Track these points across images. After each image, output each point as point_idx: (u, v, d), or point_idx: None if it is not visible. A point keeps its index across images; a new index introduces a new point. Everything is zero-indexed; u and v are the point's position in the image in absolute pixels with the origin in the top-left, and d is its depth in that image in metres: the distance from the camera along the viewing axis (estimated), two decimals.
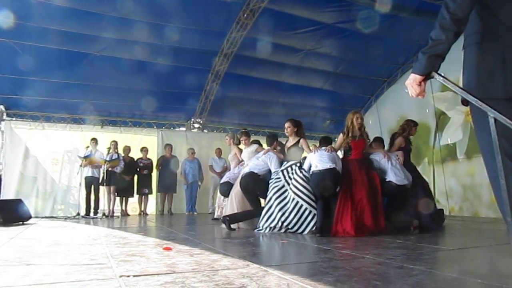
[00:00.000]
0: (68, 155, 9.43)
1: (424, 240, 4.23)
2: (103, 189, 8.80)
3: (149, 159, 9.60)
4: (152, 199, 9.83)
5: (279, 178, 5.36)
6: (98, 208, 8.65)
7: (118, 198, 9.08)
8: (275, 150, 5.82)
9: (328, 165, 4.94)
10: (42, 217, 8.44)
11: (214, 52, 9.09)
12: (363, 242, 4.17)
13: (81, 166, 8.55)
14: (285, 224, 5.06)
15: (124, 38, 8.14)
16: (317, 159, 5.05)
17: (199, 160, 10.00)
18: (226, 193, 6.39)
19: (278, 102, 10.44)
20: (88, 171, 8.62)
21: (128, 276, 2.29)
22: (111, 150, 8.79)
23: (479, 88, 1.59)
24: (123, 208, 9.18)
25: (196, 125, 11.07)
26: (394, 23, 8.36)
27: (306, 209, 5.02)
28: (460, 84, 1.69)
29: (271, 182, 5.37)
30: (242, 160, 6.65)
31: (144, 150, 9.56)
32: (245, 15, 8.08)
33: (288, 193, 5.18)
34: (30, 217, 7.06)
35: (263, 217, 5.23)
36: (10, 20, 7.06)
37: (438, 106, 8.77)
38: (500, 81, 1.56)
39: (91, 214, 8.45)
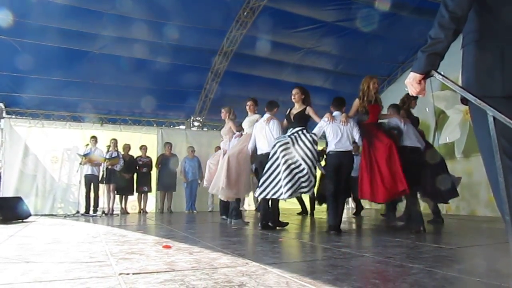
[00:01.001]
0: (68, 153, 9.44)
1: (423, 239, 4.24)
2: (102, 187, 8.80)
3: (148, 157, 9.61)
4: (152, 197, 9.83)
5: (287, 143, 4.97)
6: (97, 206, 8.64)
7: (117, 196, 9.08)
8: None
9: (345, 147, 4.90)
10: (42, 215, 8.44)
11: (214, 51, 9.10)
12: (362, 241, 4.18)
13: (80, 164, 8.55)
14: (286, 188, 4.79)
15: (124, 36, 8.14)
16: (333, 135, 4.95)
17: (199, 159, 9.99)
18: None
19: (277, 100, 10.40)
20: (87, 169, 8.62)
21: (128, 274, 2.29)
22: (110, 148, 8.80)
23: (478, 86, 1.60)
24: (123, 206, 9.18)
25: (196, 124, 11.07)
26: (394, 22, 8.37)
27: (306, 173, 4.81)
28: (460, 83, 1.69)
29: (276, 147, 4.98)
30: (234, 133, 6.50)
31: (143, 148, 9.57)
32: (245, 14, 8.08)
33: (295, 156, 4.92)
34: (30, 215, 7.06)
35: (269, 183, 4.93)
36: (10, 18, 7.06)
37: (438, 105, 8.77)
38: (499, 79, 1.56)
39: (91, 212, 8.46)
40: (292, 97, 5.39)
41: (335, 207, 4.86)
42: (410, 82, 1.75)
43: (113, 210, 8.77)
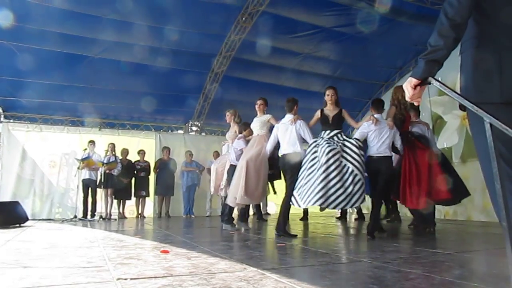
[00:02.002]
0: (66, 157, 9.41)
1: (421, 244, 4.24)
2: (100, 192, 8.77)
3: (146, 161, 9.59)
4: (150, 202, 9.81)
5: (336, 148, 4.67)
6: (95, 211, 8.62)
7: (115, 201, 9.06)
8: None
9: (385, 152, 4.91)
10: (39, 220, 8.42)
11: (213, 55, 9.11)
12: (360, 246, 4.18)
13: (78, 168, 8.53)
14: (332, 198, 4.49)
15: (123, 41, 8.15)
16: (377, 139, 4.91)
17: (197, 163, 10.00)
18: None
19: (276, 105, 10.43)
20: (85, 173, 8.61)
21: (125, 279, 2.29)
22: (108, 153, 8.79)
23: (476, 93, 1.61)
24: (121, 210, 9.16)
25: (194, 128, 11.07)
26: (392, 27, 8.40)
27: (359, 179, 4.56)
28: (458, 89, 1.71)
29: (323, 151, 4.62)
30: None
31: (141, 152, 9.56)
32: (243, 19, 8.10)
33: (342, 162, 4.63)
34: (27, 219, 7.04)
35: (307, 190, 4.61)
36: (9, 22, 7.07)
37: (435, 110, 8.80)
38: (497, 85, 1.57)
39: (88, 217, 8.43)
40: (327, 97, 5.20)
41: (378, 212, 4.94)
42: (405, 85, 1.76)
43: (111, 215, 8.75)
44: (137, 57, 8.56)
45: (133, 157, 9.48)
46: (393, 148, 5.12)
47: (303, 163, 4.85)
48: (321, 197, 4.47)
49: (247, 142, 6.06)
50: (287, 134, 5.18)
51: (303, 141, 5.18)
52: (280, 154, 5.40)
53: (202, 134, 11.16)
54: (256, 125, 5.93)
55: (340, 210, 8.16)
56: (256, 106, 6.01)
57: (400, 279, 2.35)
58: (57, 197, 9.16)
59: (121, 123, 10.27)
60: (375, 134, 4.92)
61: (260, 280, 2.27)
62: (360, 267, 2.83)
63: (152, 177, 9.65)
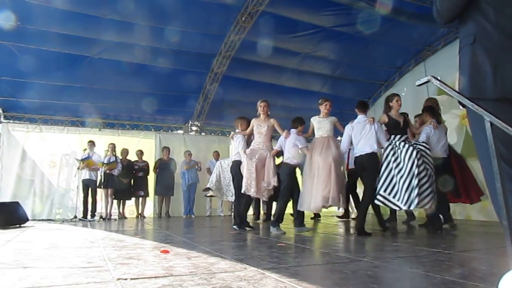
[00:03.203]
0: (66, 158, 9.41)
1: (421, 243, 4.24)
2: (100, 192, 8.78)
3: (144, 161, 9.59)
4: (150, 202, 9.81)
5: (416, 150, 5.02)
6: (95, 211, 8.62)
7: (115, 201, 9.06)
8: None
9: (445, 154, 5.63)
10: (39, 220, 8.42)
11: (212, 55, 9.12)
12: (361, 245, 4.18)
13: (78, 168, 8.54)
14: (425, 199, 4.90)
15: (123, 41, 8.15)
16: (438, 140, 5.60)
17: (194, 160, 10.02)
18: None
19: (276, 105, 10.45)
20: (85, 174, 8.61)
21: (126, 279, 2.29)
22: (108, 153, 8.79)
23: (471, 89, 1.64)
24: (121, 210, 9.16)
25: (194, 128, 11.08)
26: (391, 27, 8.40)
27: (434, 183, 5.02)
28: (457, 88, 1.71)
29: (411, 153, 4.95)
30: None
31: (138, 152, 9.56)
32: (243, 18, 8.10)
33: (425, 166, 5.05)
34: (27, 220, 7.04)
35: (404, 192, 4.88)
36: (9, 23, 7.07)
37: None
38: (491, 82, 1.59)
39: (89, 217, 8.43)
40: (396, 103, 5.38)
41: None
42: None
43: (111, 215, 8.75)
44: (137, 57, 8.56)
45: (133, 157, 9.48)
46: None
47: (385, 165, 5.12)
48: (418, 198, 4.80)
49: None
50: (364, 134, 5.34)
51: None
52: (356, 154, 5.45)
53: (202, 134, 11.17)
54: (326, 126, 5.67)
55: (343, 210, 8.17)
56: (323, 107, 5.72)
57: (401, 279, 2.35)
58: (57, 198, 9.16)
59: (121, 123, 10.27)
60: (436, 136, 5.64)
61: (261, 280, 2.26)
62: (361, 267, 2.83)
63: (151, 177, 9.65)
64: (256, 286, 2.11)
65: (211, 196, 7.54)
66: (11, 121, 9.20)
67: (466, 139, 7.93)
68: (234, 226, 5.97)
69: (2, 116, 9.05)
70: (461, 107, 1.64)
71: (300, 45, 8.98)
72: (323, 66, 9.87)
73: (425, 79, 1.65)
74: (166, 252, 3.45)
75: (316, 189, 5.31)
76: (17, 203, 7.11)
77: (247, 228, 5.92)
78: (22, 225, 6.73)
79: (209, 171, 9.80)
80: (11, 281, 2.29)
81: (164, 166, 9.64)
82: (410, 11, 7.93)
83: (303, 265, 3.07)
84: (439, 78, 1.65)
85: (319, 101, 5.75)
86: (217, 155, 10.00)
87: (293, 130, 5.78)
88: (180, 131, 11.08)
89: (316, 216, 8.52)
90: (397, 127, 5.29)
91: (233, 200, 6.30)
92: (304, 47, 9.08)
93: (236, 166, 6.07)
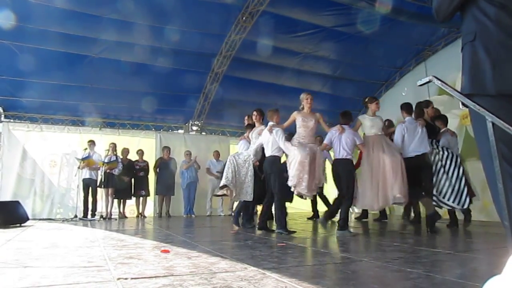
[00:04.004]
0: (67, 157, 9.41)
1: (421, 243, 4.24)
2: (101, 191, 8.78)
3: (145, 161, 9.58)
4: (150, 201, 9.81)
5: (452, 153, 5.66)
6: (96, 210, 8.62)
7: (116, 201, 9.06)
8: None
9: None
10: (40, 219, 8.41)
11: (213, 55, 9.11)
12: (361, 245, 4.18)
13: (79, 168, 8.54)
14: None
15: (123, 40, 8.15)
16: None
17: (196, 162, 10.02)
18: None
19: (276, 104, 10.44)
20: (85, 173, 8.61)
21: (126, 279, 2.29)
22: (109, 152, 8.79)
23: (471, 85, 1.66)
24: (121, 210, 9.15)
25: (194, 128, 11.07)
26: (392, 27, 8.39)
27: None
28: (459, 88, 1.72)
29: (453, 154, 5.64)
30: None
31: (139, 152, 9.55)
32: (243, 18, 8.09)
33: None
34: (28, 219, 7.04)
35: (457, 192, 5.54)
36: (9, 22, 7.07)
37: None
38: (491, 79, 1.60)
39: (89, 216, 8.43)
40: (431, 110, 5.90)
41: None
42: None
43: (111, 215, 8.75)
44: (138, 57, 8.56)
45: (133, 156, 9.48)
46: None
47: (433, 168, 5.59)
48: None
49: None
50: (416, 135, 5.52)
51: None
52: (410, 154, 5.55)
53: (203, 133, 11.16)
54: (379, 124, 5.72)
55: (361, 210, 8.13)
56: (374, 106, 5.73)
57: (401, 279, 2.35)
58: (57, 197, 9.15)
59: (121, 122, 10.26)
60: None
61: (261, 280, 2.26)
62: (361, 267, 2.83)
63: (152, 177, 9.65)
64: (256, 286, 2.10)
65: (224, 195, 6.45)
66: (12, 120, 9.19)
67: (466, 139, 7.93)
68: (280, 230, 5.27)
69: (2, 116, 9.05)
70: (461, 106, 1.64)
71: (301, 45, 8.98)
72: (324, 66, 9.87)
73: (426, 79, 1.64)
74: (167, 251, 3.46)
75: (384, 187, 5.28)
76: (18, 202, 7.10)
77: (290, 233, 5.25)
78: (22, 224, 6.73)
79: (209, 171, 9.81)
80: (11, 280, 2.29)
81: (164, 166, 9.63)
82: (411, 11, 7.93)
83: (304, 265, 3.07)
84: (440, 78, 1.66)
85: (367, 99, 5.81)
86: (217, 155, 10.00)
87: (345, 126, 5.58)
88: (181, 131, 11.08)
89: (314, 217, 8.41)
90: (433, 132, 5.71)
91: (250, 200, 6.00)
92: (304, 47, 9.08)
93: (275, 163, 5.48)
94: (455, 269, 2.77)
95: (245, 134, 6.79)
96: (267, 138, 5.54)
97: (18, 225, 6.62)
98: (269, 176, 5.47)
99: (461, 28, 1.82)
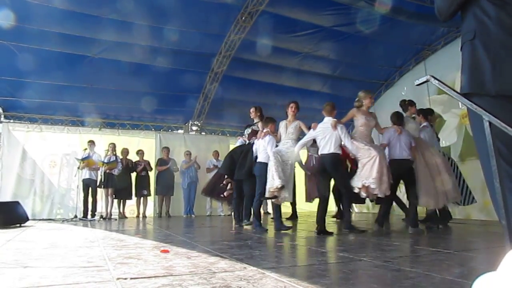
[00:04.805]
0: (66, 157, 9.42)
1: (421, 243, 4.24)
2: (100, 192, 8.78)
3: (146, 160, 9.59)
4: (150, 201, 9.82)
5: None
6: (95, 211, 8.63)
7: (115, 201, 9.06)
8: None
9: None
10: (40, 220, 8.42)
11: (213, 55, 9.12)
12: (361, 245, 4.18)
13: (79, 168, 8.54)
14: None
15: (123, 41, 8.15)
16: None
17: (196, 162, 10.01)
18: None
19: (276, 104, 10.45)
20: (85, 174, 8.62)
21: (125, 279, 2.29)
22: (109, 152, 8.80)
23: (470, 85, 1.66)
24: (121, 210, 9.16)
25: (194, 128, 11.08)
26: (391, 27, 8.39)
27: None
28: (458, 88, 1.72)
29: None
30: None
31: (140, 153, 9.56)
32: (243, 18, 8.09)
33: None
34: (27, 219, 7.04)
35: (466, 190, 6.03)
36: (9, 22, 7.07)
37: (434, 109, 8.77)
38: (490, 78, 1.60)
39: (89, 217, 8.44)
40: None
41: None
42: None
43: (111, 215, 8.76)
44: (137, 57, 8.57)
45: (133, 157, 9.48)
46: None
47: None
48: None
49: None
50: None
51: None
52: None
53: (202, 133, 11.17)
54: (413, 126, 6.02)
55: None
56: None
57: (400, 278, 2.35)
58: (57, 197, 9.17)
59: (121, 123, 10.27)
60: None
61: (260, 279, 2.27)
62: (360, 266, 2.83)
63: (152, 176, 9.66)
64: (255, 286, 2.11)
65: (274, 198, 5.52)
66: (11, 120, 9.20)
67: (466, 138, 7.93)
68: (348, 229, 5.22)
69: (2, 116, 9.05)
70: (461, 105, 1.65)
71: (300, 44, 8.98)
72: (323, 65, 9.87)
73: (424, 79, 1.65)
74: (166, 251, 3.46)
75: (441, 185, 5.46)
76: (18, 202, 7.11)
77: (361, 232, 5.23)
78: (22, 224, 6.73)
79: (209, 171, 9.80)
80: (11, 280, 2.29)
81: (164, 166, 9.64)
82: (410, 10, 7.93)
83: (303, 265, 3.07)
84: (437, 78, 1.66)
85: (402, 103, 6.29)
86: (217, 155, 10.00)
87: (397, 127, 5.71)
88: (180, 131, 11.08)
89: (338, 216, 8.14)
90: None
91: (291, 201, 6.00)
92: (304, 47, 9.07)
93: (339, 161, 5.33)
94: (454, 268, 2.78)
95: (247, 134, 6.75)
96: (327, 133, 5.26)
97: (18, 225, 6.63)
98: (334, 174, 5.27)
99: (461, 27, 1.82)
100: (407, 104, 6.31)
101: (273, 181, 5.27)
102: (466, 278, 2.37)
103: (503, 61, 1.59)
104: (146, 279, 2.30)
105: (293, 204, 7.96)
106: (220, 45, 8.87)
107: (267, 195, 5.39)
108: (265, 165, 5.62)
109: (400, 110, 6.19)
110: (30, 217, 7.42)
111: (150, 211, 9.88)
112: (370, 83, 10.75)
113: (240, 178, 6.26)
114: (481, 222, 6.98)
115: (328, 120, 5.36)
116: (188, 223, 7.75)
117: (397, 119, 5.70)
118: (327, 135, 5.23)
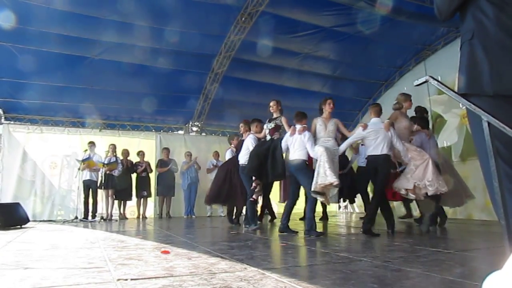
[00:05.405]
0: (67, 159, 9.42)
1: (421, 243, 4.24)
2: (101, 193, 8.79)
3: (146, 161, 9.59)
4: (151, 202, 9.82)
5: None
6: (96, 212, 8.63)
7: (116, 202, 9.06)
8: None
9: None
10: (40, 221, 8.42)
11: (213, 56, 9.12)
12: (361, 245, 4.18)
13: (79, 169, 8.55)
14: None
15: (123, 42, 8.16)
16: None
17: (196, 162, 10.01)
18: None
19: None
20: (86, 175, 8.62)
21: (126, 280, 2.30)
22: (109, 154, 8.80)
23: (469, 85, 1.65)
24: (121, 211, 9.16)
25: (194, 129, 11.08)
26: (392, 27, 8.40)
27: None
28: (457, 88, 1.72)
29: None
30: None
31: (140, 154, 9.56)
32: (243, 19, 8.10)
33: None
34: (28, 220, 7.05)
35: None
36: (9, 24, 7.08)
37: (435, 109, 8.80)
38: (488, 78, 1.60)
39: (89, 218, 8.44)
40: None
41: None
42: None
43: (111, 216, 8.76)
44: (138, 58, 8.57)
45: (133, 158, 9.48)
46: None
47: None
48: None
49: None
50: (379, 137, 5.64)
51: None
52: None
53: (203, 134, 11.17)
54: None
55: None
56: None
57: (401, 278, 2.35)
58: (58, 199, 9.16)
59: (121, 124, 10.27)
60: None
61: (261, 280, 2.27)
62: (361, 266, 2.83)
63: (153, 177, 9.66)
64: (256, 286, 2.11)
65: (323, 194, 5.10)
66: (12, 122, 9.20)
67: (467, 138, 7.93)
68: (394, 231, 5.22)
69: (2, 117, 9.06)
70: (462, 105, 1.66)
71: (300, 45, 8.98)
72: (324, 66, 9.87)
73: (423, 79, 1.65)
74: (167, 252, 3.46)
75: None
76: (18, 204, 7.11)
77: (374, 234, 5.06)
78: (23, 226, 6.74)
79: (209, 172, 9.80)
80: (12, 282, 2.30)
81: (164, 167, 9.64)
82: (410, 10, 7.93)
83: (303, 265, 3.07)
84: (436, 77, 1.66)
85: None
86: (217, 156, 10.00)
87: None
88: (181, 132, 11.08)
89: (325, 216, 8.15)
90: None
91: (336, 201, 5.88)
92: (304, 47, 9.08)
93: (389, 161, 5.26)
94: (454, 268, 2.78)
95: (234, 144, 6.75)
96: (379, 134, 5.22)
97: (19, 226, 6.63)
98: (381, 175, 5.15)
99: (460, 27, 1.82)
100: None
101: (325, 177, 4.87)
102: (466, 278, 2.38)
103: (501, 61, 1.59)
104: (147, 280, 2.30)
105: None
106: (220, 46, 8.87)
107: (315, 189, 4.96)
108: (304, 162, 5.30)
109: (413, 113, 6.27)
110: (30, 219, 7.43)
111: (150, 212, 9.88)
112: (370, 83, 10.77)
113: (278, 180, 6.20)
114: (483, 222, 6.98)
115: (378, 121, 5.37)
116: (188, 224, 7.75)
117: (422, 121, 6.06)
118: (379, 136, 5.21)
